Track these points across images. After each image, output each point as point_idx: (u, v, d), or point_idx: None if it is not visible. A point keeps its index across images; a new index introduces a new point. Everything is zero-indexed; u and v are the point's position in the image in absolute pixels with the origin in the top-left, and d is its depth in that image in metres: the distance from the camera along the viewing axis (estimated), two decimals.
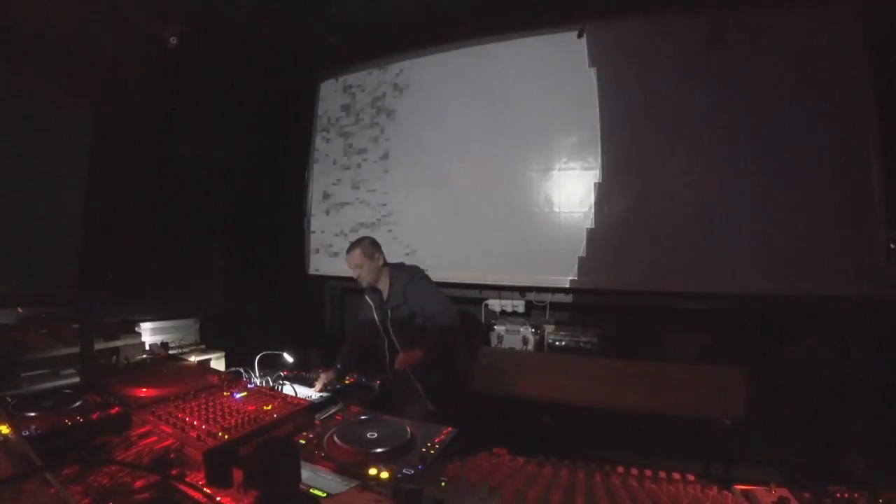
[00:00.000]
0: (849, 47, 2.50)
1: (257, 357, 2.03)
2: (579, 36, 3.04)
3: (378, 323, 2.26)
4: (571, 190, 3.05)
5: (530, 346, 3.01)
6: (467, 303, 3.30)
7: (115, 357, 2.20)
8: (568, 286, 3.01)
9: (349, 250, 2.26)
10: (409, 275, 2.27)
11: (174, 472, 0.95)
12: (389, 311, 2.19)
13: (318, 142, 3.96)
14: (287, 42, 3.42)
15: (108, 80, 2.73)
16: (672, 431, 2.51)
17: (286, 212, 3.97)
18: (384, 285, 2.26)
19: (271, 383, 1.89)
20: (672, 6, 2.83)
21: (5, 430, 0.93)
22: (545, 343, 2.98)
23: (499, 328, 3.11)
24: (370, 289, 2.31)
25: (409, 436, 1.18)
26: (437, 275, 3.33)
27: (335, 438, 1.14)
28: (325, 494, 0.90)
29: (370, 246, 2.27)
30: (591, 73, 3.02)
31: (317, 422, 1.33)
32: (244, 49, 3.32)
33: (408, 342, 2.14)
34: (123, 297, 2.75)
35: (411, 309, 2.17)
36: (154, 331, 2.68)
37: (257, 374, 1.98)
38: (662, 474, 1.02)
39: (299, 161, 4.00)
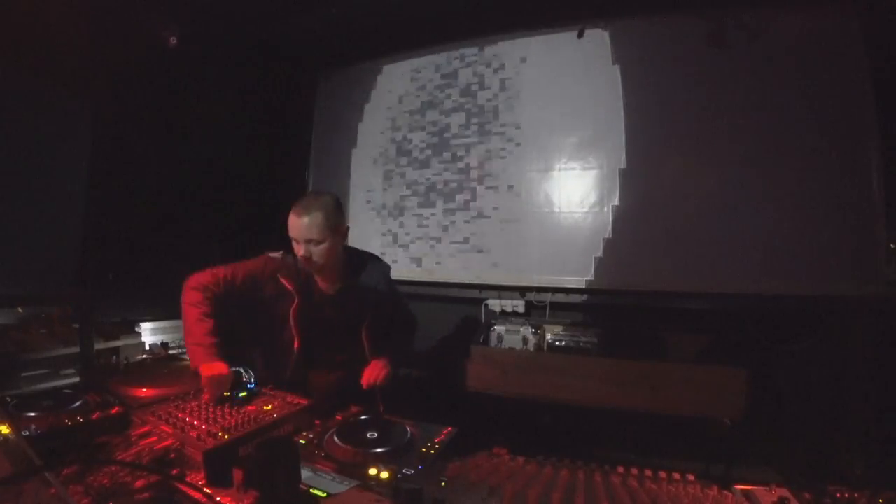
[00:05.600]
0: (849, 47, 2.50)
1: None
2: (579, 36, 3.04)
3: (294, 320, 1.59)
4: (571, 190, 3.05)
5: (530, 346, 3.01)
6: (467, 303, 3.30)
7: (115, 357, 2.21)
8: (568, 286, 3.01)
9: (302, 211, 1.54)
10: (378, 264, 1.75)
11: (174, 472, 0.95)
12: (358, 304, 1.63)
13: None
14: (287, 41, 3.42)
15: (108, 80, 2.73)
16: (672, 431, 2.51)
17: (286, 211, 3.96)
18: (336, 271, 1.64)
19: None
20: (672, 7, 2.83)
21: (5, 430, 0.93)
22: (545, 343, 2.98)
23: (499, 328, 3.10)
24: (291, 268, 1.62)
25: (409, 436, 1.18)
26: (436, 275, 3.37)
27: (335, 438, 1.14)
28: (325, 494, 0.90)
29: (336, 211, 1.56)
30: (591, 73, 3.02)
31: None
32: (244, 47, 3.32)
33: (357, 346, 1.63)
34: (123, 297, 2.75)
35: (387, 310, 1.70)
36: (154, 331, 2.68)
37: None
38: (662, 474, 1.02)
39: (299, 160, 4.00)
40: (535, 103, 3.18)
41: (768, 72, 2.62)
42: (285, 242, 1.66)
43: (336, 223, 1.57)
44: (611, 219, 2.93)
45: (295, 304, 1.59)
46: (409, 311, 1.90)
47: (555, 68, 3.13)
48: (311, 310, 1.62)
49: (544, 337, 3.00)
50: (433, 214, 3.45)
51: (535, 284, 3.11)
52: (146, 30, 2.80)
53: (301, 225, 1.53)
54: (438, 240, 3.42)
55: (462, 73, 3.41)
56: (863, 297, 2.40)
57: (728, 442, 2.28)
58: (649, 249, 2.82)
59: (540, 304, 3.12)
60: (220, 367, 1.35)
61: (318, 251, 1.55)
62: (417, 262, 3.46)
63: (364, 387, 1.53)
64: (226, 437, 1.03)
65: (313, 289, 1.66)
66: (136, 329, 2.58)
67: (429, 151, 3.49)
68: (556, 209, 3.09)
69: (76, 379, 1.94)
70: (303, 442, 1.16)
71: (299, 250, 1.56)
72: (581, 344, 2.86)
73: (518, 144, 3.21)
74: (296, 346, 1.60)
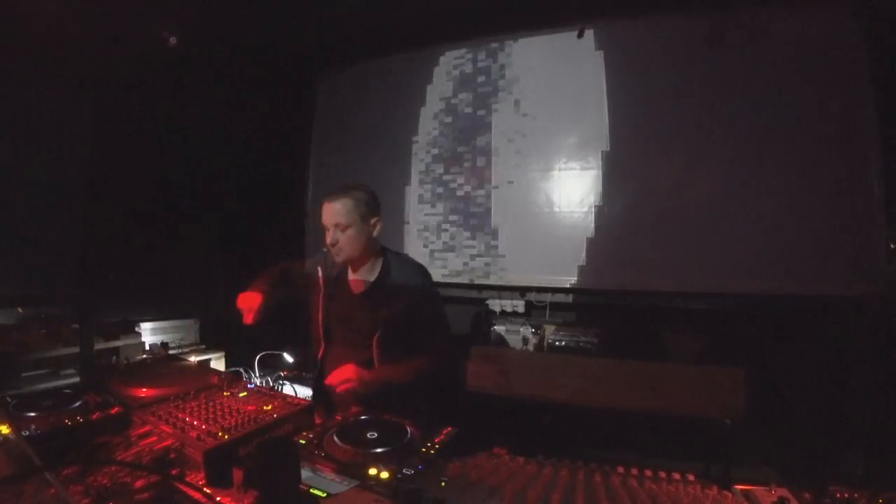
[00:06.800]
0: (849, 47, 2.50)
1: (257, 357, 2.03)
2: (579, 36, 3.04)
3: (321, 318, 1.59)
4: (571, 190, 3.05)
5: (530, 346, 3.01)
6: (467, 303, 3.30)
7: (115, 357, 2.21)
8: (568, 286, 3.01)
9: (333, 196, 1.53)
10: (414, 269, 1.64)
11: (174, 472, 0.95)
12: (382, 308, 1.53)
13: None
14: (287, 39, 3.41)
15: (108, 80, 2.73)
16: (672, 431, 2.51)
17: (286, 211, 3.97)
18: (366, 270, 1.59)
19: (271, 383, 1.89)
20: (672, 7, 2.83)
21: (5, 430, 0.93)
22: (545, 343, 2.98)
23: (499, 328, 3.11)
24: (325, 263, 1.62)
25: (409, 436, 1.18)
26: (435, 275, 3.37)
27: (335, 438, 1.14)
28: (325, 494, 0.90)
29: (367, 203, 1.54)
30: (591, 73, 3.02)
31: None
32: (244, 47, 3.32)
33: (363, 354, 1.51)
34: (123, 297, 2.75)
35: (405, 313, 1.53)
36: (154, 331, 2.69)
37: (257, 374, 1.98)
38: (662, 474, 1.02)
39: (299, 160, 4.00)
40: (536, 103, 3.18)
41: (768, 72, 2.62)
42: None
43: (365, 212, 1.54)
44: (611, 219, 2.93)
45: (321, 295, 1.59)
46: (440, 335, 1.63)
47: (554, 68, 3.13)
48: (336, 308, 1.61)
49: (544, 337, 3.00)
50: (433, 213, 3.45)
51: (535, 284, 3.11)
52: (146, 30, 2.80)
53: (329, 209, 1.53)
54: (437, 239, 3.42)
55: (462, 72, 3.41)
56: (863, 297, 2.40)
57: (728, 442, 2.28)
58: (649, 249, 2.82)
59: (540, 304, 3.12)
60: (248, 293, 1.51)
61: (344, 237, 1.51)
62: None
63: (324, 383, 1.46)
64: (226, 437, 1.03)
65: (343, 287, 1.61)
66: (136, 329, 2.58)
67: (428, 150, 3.49)
68: (556, 209, 3.09)
69: (76, 379, 1.94)
70: (303, 442, 1.16)
71: (328, 237, 1.54)
72: (581, 344, 2.86)
73: (518, 144, 3.21)
74: (322, 345, 1.62)
